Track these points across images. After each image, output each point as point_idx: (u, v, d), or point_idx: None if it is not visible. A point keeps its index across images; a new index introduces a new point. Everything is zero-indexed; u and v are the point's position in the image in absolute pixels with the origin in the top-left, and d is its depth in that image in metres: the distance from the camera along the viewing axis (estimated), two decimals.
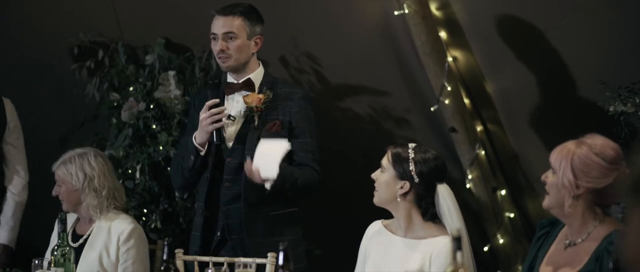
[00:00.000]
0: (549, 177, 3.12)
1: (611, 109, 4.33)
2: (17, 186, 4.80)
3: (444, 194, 3.54)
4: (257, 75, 4.09)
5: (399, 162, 3.52)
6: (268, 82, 4.08)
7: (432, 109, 4.89)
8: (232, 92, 4.07)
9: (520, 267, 4.99)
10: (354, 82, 5.09)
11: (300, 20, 5.01)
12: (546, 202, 3.13)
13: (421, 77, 4.90)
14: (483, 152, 4.96)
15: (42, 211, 4.70)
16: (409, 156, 3.52)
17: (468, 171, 4.96)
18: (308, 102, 4.12)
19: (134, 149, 5.09)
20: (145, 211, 5.09)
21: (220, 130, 3.98)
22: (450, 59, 4.80)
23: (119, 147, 5.08)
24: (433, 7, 4.78)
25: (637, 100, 4.29)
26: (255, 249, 3.95)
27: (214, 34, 4.04)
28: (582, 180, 3.04)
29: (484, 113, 4.97)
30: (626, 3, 4.42)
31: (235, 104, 4.06)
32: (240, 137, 4.01)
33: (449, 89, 4.79)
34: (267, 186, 3.89)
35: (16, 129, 4.83)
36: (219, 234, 4.04)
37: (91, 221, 4.19)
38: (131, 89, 5.14)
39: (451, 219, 3.51)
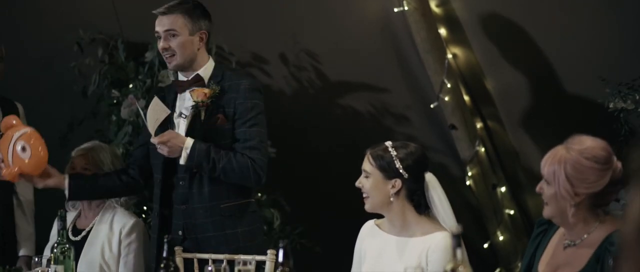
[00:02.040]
0: (544, 189, 3.07)
1: (611, 105, 4.33)
2: (28, 193, 4.77)
3: (432, 182, 3.55)
4: (206, 70, 4.05)
5: (383, 162, 3.51)
6: (217, 75, 4.05)
7: (431, 106, 4.89)
8: (183, 90, 4.07)
9: (520, 264, 4.99)
10: (353, 79, 5.09)
11: (300, 17, 5.00)
12: (547, 212, 3.08)
13: (421, 74, 4.90)
14: (483, 149, 4.96)
15: (41, 209, 4.69)
16: (391, 154, 3.51)
17: (468, 168, 4.96)
18: (253, 91, 4.01)
19: (133, 146, 5.09)
20: (144, 208, 5.10)
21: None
22: (450, 56, 4.80)
23: (118, 144, 5.08)
24: (433, 4, 4.78)
25: (637, 97, 4.29)
26: (207, 245, 3.96)
27: (157, 32, 4.04)
28: (580, 187, 2.99)
29: (484, 110, 4.97)
30: (626, 1, 4.42)
31: (186, 102, 4.06)
32: (190, 133, 4.01)
33: (448, 86, 4.79)
34: (181, 161, 3.92)
35: None
36: (180, 233, 4.04)
37: (93, 216, 4.23)
38: (131, 86, 5.14)
39: (442, 206, 3.52)
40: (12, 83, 5.53)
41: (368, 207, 3.57)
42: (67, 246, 3.74)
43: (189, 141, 3.94)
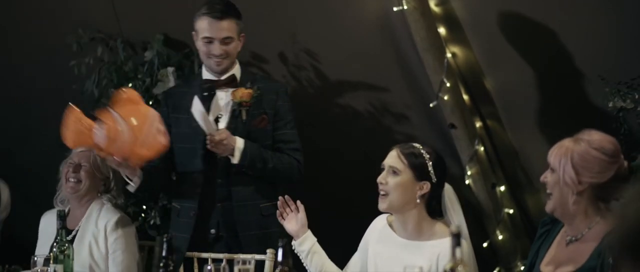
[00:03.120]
0: (548, 177, 3.09)
1: (610, 104, 4.33)
2: None
3: (449, 193, 3.53)
4: (237, 70, 4.13)
5: (416, 162, 3.47)
6: (249, 78, 4.14)
7: (431, 105, 4.89)
8: (214, 90, 4.08)
9: (519, 263, 4.99)
10: (353, 78, 5.09)
11: (299, 16, 5.00)
12: (550, 205, 3.10)
13: (420, 73, 4.90)
14: (482, 148, 4.96)
15: (39, 206, 4.69)
16: (423, 156, 3.48)
17: (467, 167, 4.96)
18: (288, 95, 4.23)
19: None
20: (144, 207, 5.10)
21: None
22: (449, 55, 4.80)
23: None
24: (432, 3, 4.77)
25: (637, 96, 4.29)
26: (249, 243, 3.98)
27: (210, 38, 4.04)
28: (585, 176, 3.02)
29: (483, 109, 4.97)
30: (626, 0, 4.42)
31: (220, 101, 4.07)
32: (231, 133, 4.02)
33: (448, 85, 4.79)
34: (234, 160, 3.96)
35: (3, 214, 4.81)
36: (213, 231, 4.04)
37: (81, 215, 4.22)
38: (130, 85, 5.14)
39: (457, 216, 3.51)
40: (11, 82, 5.54)
41: (385, 206, 3.49)
42: (67, 245, 3.74)
43: (241, 141, 3.97)
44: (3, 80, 5.54)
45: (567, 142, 3.08)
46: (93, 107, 5.31)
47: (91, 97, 5.24)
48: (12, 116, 5.64)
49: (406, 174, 3.47)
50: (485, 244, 5.05)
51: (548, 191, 3.11)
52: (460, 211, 3.54)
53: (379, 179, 3.51)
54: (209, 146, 3.96)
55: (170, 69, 5.05)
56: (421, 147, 3.51)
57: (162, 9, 5.20)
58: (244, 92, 4.03)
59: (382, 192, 3.50)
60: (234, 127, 4.02)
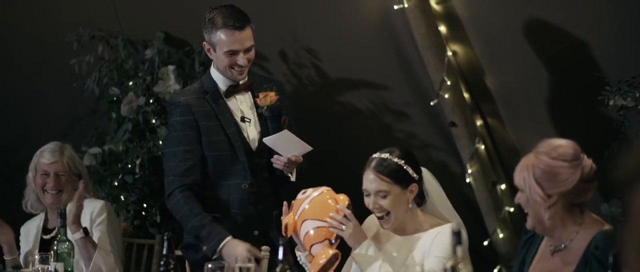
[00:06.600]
0: (520, 198, 3.10)
1: (611, 103, 4.33)
2: None
3: (427, 176, 3.57)
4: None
5: (398, 174, 3.47)
6: (257, 78, 4.13)
7: (431, 103, 4.89)
8: (232, 95, 4.05)
9: None
10: (353, 76, 5.09)
11: (300, 14, 5.00)
12: (529, 223, 3.11)
13: (421, 71, 4.90)
14: (483, 147, 4.96)
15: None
16: (399, 163, 3.48)
17: (468, 165, 4.96)
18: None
19: (133, 143, 5.09)
20: (145, 205, 5.10)
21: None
22: (449, 53, 4.80)
23: (118, 141, 5.08)
24: (432, 1, 4.77)
25: (637, 95, 4.29)
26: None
27: (234, 50, 3.93)
28: (551, 188, 3.00)
29: (484, 107, 4.97)
30: None
31: (240, 106, 4.05)
32: (264, 136, 4.02)
33: (448, 83, 4.79)
34: (292, 178, 4.02)
35: None
36: (256, 232, 4.01)
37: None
38: (131, 83, 5.14)
39: (437, 196, 3.55)
40: (11, 80, 5.54)
41: (390, 226, 3.49)
42: (67, 243, 3.74)
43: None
44: (3, 78, 5.54)
45: (527, 160, 3.06)
46: (94, 105, 5.33)
47: (92, 95, 5.25)
48: (12, 114, 5.64)
49: (394, 190, 3.46)
50: (485, 243, 5.05)
51: (525, 211, 3.10)
52: (440, 188, 3.59)
53: (371, 206, 3.48)
54: (275, 164, 3.94)
55: (171, 67, 5.05)
56: (390, 155, 3.49)
57: (162, 7, 5.20)
58: (272, 97, 4.00)
59: (379, 215, 3.50)
60: (264, 129, 4.02)
